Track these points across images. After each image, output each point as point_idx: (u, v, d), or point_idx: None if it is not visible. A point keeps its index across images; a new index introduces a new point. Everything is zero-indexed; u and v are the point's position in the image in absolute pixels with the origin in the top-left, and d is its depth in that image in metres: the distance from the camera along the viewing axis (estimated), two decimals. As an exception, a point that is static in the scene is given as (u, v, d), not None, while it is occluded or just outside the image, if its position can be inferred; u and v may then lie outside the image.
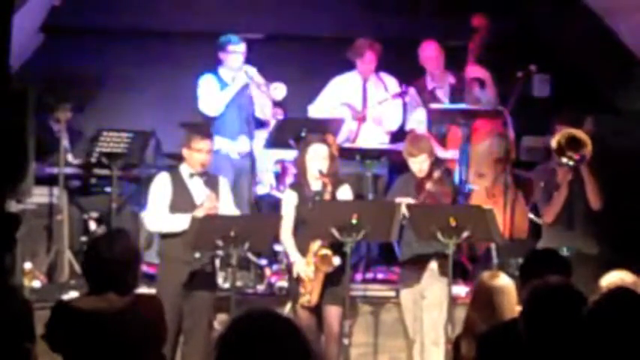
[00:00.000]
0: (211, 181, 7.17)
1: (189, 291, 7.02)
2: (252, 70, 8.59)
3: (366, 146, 8.79)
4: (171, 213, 7.07)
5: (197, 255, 6.97)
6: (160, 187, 7.15)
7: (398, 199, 7.08)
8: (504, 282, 5.42)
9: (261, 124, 8.89)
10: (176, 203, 7.08)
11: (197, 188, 7.13)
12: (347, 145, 8.74)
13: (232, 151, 8.69)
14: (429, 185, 7.22)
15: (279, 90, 8.50)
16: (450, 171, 8.25)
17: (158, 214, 7.09)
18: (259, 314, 2.86)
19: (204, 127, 7.77)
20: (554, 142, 7.30)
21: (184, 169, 7.19)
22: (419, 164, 7.27)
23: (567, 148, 7.32)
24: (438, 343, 7.02)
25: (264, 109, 8.82)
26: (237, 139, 8.66)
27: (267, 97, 8.64)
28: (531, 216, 8.27)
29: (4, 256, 6.02)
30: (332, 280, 7.00)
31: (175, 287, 6.96)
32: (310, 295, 6.99)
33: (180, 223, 6.97)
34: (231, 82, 8.70)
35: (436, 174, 7.26)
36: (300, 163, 7.30)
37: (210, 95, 8.66)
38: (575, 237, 7.44)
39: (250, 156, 8.53)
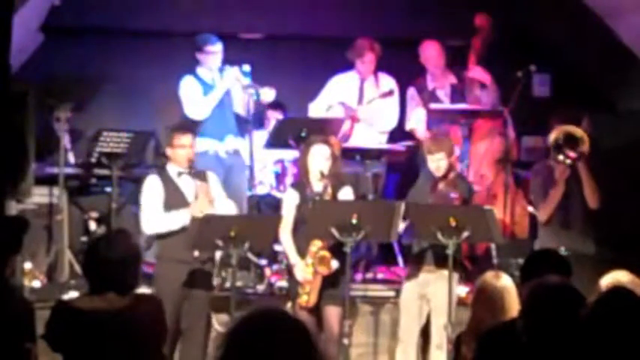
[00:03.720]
0: (200, 177, 7.16)
1: (187, 291, 7.02)
2: (236, 71, 8.53)
3: (365, 146, 8.79)
4: (164, 212, 7.07)
5: (196, 254, 6.98)
6: (152, 189, 7.13)
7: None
8: (508, 282, 5.45)
9: (246, 121, 8.80)
10: (169, 203, 7.07)
11: (187, 186, 7.12)
12: (346, 144, 8.73)
13: (220, 150, 8.65)
14: (441, 185, 7.21)
15: (268, 94, 8.50)
16: (464, 176, 8.15)
17: (154, 216, 7.07)
18: (266, 313, 2.86)
19: (184, 123, 7.70)
20: (551, 139, 7.29)
21: (171, 169, 7.17)
22: (436, 162, 7.23)
23: (564, 145, 7.31)
24: (442, 347, 7.02)
25: (247, 106, 8.71)
26: (225, 139, 8.62)
27: (250, 97, 8.59)
28: (531, 209, 8.25)
29: (10, 259, 6.03)
30: (331, 281, 7.00)
31: (173, 287, 6.95)
32: (309, 295, 6.99)
33: (177, 220, 6.97)
34: (212, 81, 8.64)
35: (451, 175, 7.26)
36: (301, 164, 7.30)
37: (196, 99, 8.55)
38: (572, 237, 7.43)
39: (251, 156, 8.52)
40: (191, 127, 7.47)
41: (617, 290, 3.88)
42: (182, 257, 6.95)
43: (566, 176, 7.42)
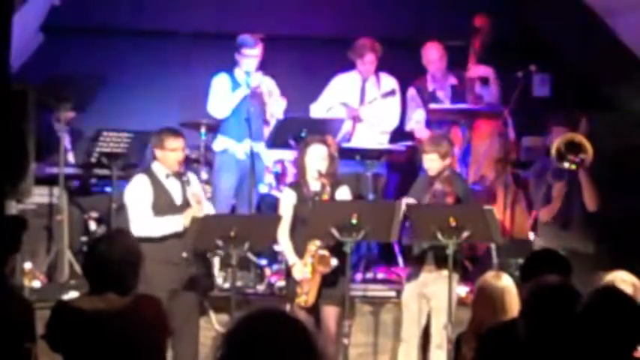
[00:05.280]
0: (184, 179, 7.14)
1: (175, 292, 6.99)
2: (261, 78, 8.62)
3: (365, 146, 8.79)
4: (154, 215, 7.03)
5: (184, 255, 6.95)
6: (141, 190, 7.09)
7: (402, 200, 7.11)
8: (508, 282, 5.45)
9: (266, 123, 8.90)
10: (157, 205, 7.05)
11: (174, 188, 7.11)
12: (347, 144, 8.74)
13: (239, 151, 8.69)
14: (436, 184, 7.22)
15: (279, 105, 8.59)
16: (461, 175, 8.14)
17: (147, 220, 7.02)
18: (266, 313, 2.86)
19: (174, 127, 7.71)
20: (553, 150, 7.29)
21: (158, 169, 7.15)
22: (429, 162, 7.26)
23: (567, 152, 7.31)
24: (442, 347, 7.02)
25: (273, 112, 8.80)
26: (244, 141, 8.67)
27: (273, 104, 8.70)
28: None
29: (9, 258, 6.05)
30: (329, 281, 7.00)
31: (162, 289, 6.87)
32: (307, 295, 6.99)
33: (170, 225, 6.97)
34: (244, 83, 8.71)
35: (445, 173, 7.26)
36: (299, 164, 7.32)
37: (219, 98, 8.66)
38: (572, 236, 7.44)
39: (252, 156, 8.54)
40: (181, 131, 7.48)
41: (607, 290, 3.89)
42: (170, 258, 6.92)
43: (563, 194, 7.45)
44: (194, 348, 7.11)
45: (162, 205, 7.04)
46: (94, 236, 8.38)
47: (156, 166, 7.16)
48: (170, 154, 7.09)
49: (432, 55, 9.10)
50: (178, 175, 7.09)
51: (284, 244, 7.17)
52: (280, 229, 7.07)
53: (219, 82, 8.75)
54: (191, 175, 7.31)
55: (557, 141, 7.32)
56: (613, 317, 3.68)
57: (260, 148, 8.71)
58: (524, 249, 7.78)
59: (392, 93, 9.01)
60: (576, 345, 3.69)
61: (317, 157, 7.13)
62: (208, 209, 7.27)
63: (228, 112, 8.65)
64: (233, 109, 8.67)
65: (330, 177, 7.13)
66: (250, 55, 8.69)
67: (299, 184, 7.27)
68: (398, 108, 9.13)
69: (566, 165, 7.32)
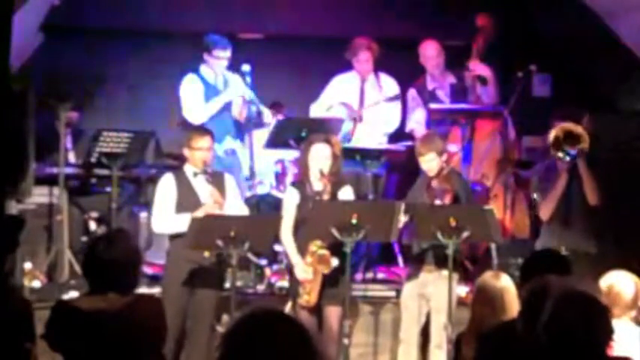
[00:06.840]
0: (216, 179, 7.19)
1: (194, 291, 7.04)
2: (241, 84, 8.58)
3: (365, 146, 8.79)
4: (177, 213, 7.09)
5: (206, 254, 6.99)
6: (165, 188, 7.19)
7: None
8: (508, 282, 5.45)
9: (241, 124, 8.85)
10: (182, 203, 7.11)
11: (202, 187, 7.14)
12: (346, 145, 8.73)
13: (219, 150, 8.66)
14: (434, 182, 7.22)
15: (269, 116, 8.59)
16: (460, 173, 8.14)
17: (164, 216, 7.12)
18: (264, 314, 2.87)
19: (203, 127, 7.79)
20: (551, 136, 7.26)
21: (188, 169, 7.23)
22: (427, 163, 7.26)
23: (564, 142, 7.28)
24: (441, 346, 7.02)
25: (243, 115, 8.75)
26: (223, 141, 8.65)
27: (249, 107, 8.65)
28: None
29: (6, 258, 6.05)
30: (331, 281, 7.00)
31: (180, 287, 6.98)
32: (309, 295, 6.99)
33: (186, 222, 6.98)
34: (214, 82, 8.64)
35: (445, 171, 7.26)
36: (302, 163, 7.31)
37: (196, 104, 8.56)
38: (573, 235, 7.42)
39: (252, 157, 8.53)
40: (210, 129, 7.51)
41: (571, 295, 3.88)
42: (192, 257, 6.97)
43: (566, 176, 7.40)
44: (206, 348, 7.12)
45: (188, 203, 7.09)
46: (94, 236, 8.38)
47: (187, 166, 7.26)
48: (196, 152, 7.16)
49: (430, 52, 9.11)
50: (207, 174, 7.12)
51: (287, 243, 7.17)
52: (283, 228, 7.09)
53: (192, 85, 8.60)
54: (227, 176, 7.35)
55: (556, 129, 7.29)
56: (579, 319, 3.68)
57: (236, 145, 8.70)
58: (524, 249, 7.78)
59: (396, 97, 9.02)
60: (547, 348, 3.70)
61: (320, 157, 7.13)
62: (242, 211, 7.28)
63: (207, 118, 8.54)
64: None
65: (333, 176, 7.13)
66: (222, 57, 8.60)
67: (302, 184, 7.27)
68: (399, 110, 9.15)
69: (560, 155, 7.28)
